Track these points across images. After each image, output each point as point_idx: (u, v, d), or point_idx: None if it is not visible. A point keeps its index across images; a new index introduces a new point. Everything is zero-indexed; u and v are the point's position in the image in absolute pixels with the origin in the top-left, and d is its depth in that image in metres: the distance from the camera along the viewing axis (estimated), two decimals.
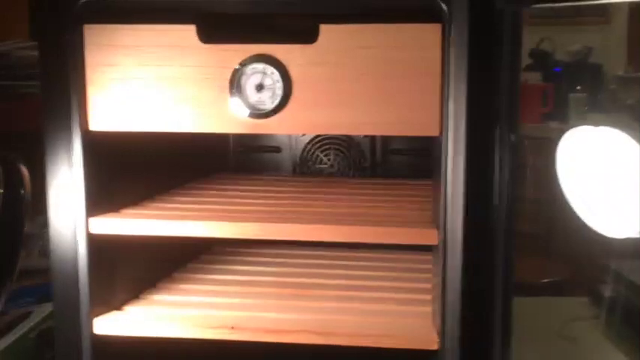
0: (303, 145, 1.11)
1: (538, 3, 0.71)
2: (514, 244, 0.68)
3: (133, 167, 0.81)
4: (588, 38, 3.44)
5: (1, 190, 0.66)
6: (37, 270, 1.13)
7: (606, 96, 3.24)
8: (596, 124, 0.98)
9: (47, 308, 1.05)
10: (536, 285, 2.10)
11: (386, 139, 1.10)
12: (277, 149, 1.13)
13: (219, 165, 1.11)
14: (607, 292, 1.19)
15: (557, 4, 0.72)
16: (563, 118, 3.08)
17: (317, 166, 1.11)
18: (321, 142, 1.10)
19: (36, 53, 1.17)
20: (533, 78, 3.07)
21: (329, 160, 1.11)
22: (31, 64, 1.15)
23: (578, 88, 3.22)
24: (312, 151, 1.11)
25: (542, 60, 3.23)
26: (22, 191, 0.68)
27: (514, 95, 0.68)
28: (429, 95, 0.68)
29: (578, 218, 1.00)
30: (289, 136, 1.11)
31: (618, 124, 0.95)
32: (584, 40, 3.42)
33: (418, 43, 0.68)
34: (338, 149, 1.10)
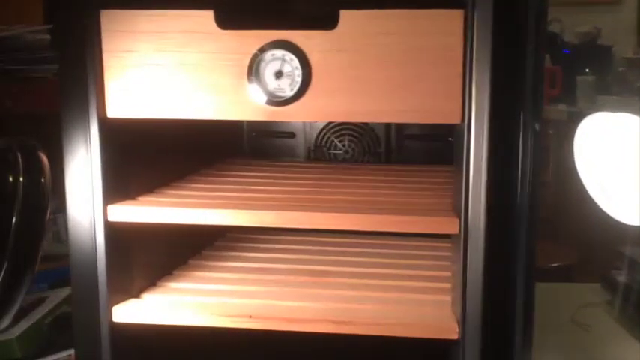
0: (317, 131, 1.10)
1: None
2: (537, 233, 0.67)
3: (148, 153, 0.81)
4: (598, 19, 3.40)
5: (22, 179, 0.65)
6: (49, 255, 1.13)
7: (615, 78, 3.21)
8: (605, 106, 0.97)
9: (62, 293, 1.05)
10: (547, 270, 2.10)
11: (401, 125, 1.09)
12: (292, 135, 1.12)
13: (232, 150, 1.11)
14: (621, 277, 1.19)
15: None
16: (571, 101, 3.07)
17: (331, 151, 1.10)
18: (336, 127, 1.09)
19: (47, 37, 1.17)
20: None
21: (343, 145, 1.10)
22: (42, 47, 1.14)
23: (587, 70, 3.20)
24: (327, 136, 1.10)
25: (550, 41, 3.20)
26: (43, 180, 0.67)
27: (538, 82, 0.66)
28: (451, 82, 0.67)
29: (592, 203, 0.99)
30: (304, 122, 1.10)
31: (635, 110, 0.94)
32: (594, 21, 3.38)
33: (440, 30, 0.66)
34: (353, 135, 1.10)
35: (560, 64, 3.08)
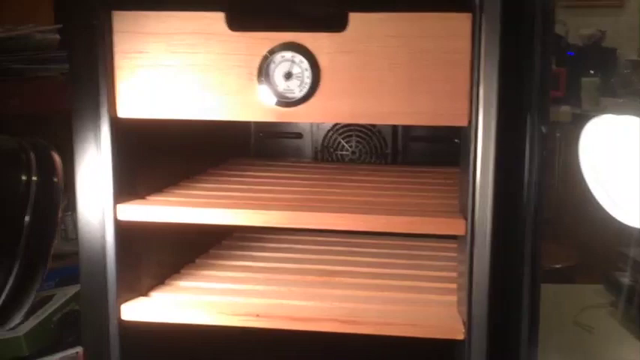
0: (324, 132, 1.11)
1: None
2: (543, 234, 0.68)
3: (157, 152, 0.81)
4: (602, 22, 3.40)
5: (35, 178, 0.66)
6: (56, 253, 1.13)
7: (620, 80, 3.21)
8: (609, 109, 0.98)
9: (69, 291, 1.06)
10: (550, 271, 2.10)
11: (407, 126, 1.10)
12: (299, 135, 1.12)
13: (240, 150, 1.11)
14: (624, 279, 1.19)
15: None
16: (575, 103, 3.07)
17: (338, 152, 1.11)
18: (343, 128, 1.10)
19: (56, 36, 1.17)
20: None
21: (350, 146, 1.11)
22: (51, 47, 1.15)
23: (591, 72, 3.20)
24: (334, 137, 1.11)
25: (554, 44, 3.20)
26: (55, 179, 0.68)
27: (545, 84, 0.67)
28: (458, 85, 0.67)
29: (595, 205, 1.00)
30: (311, 123, 1.11)
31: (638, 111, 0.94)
32: (598, 24, 3.39)
33: (448, 33, 0.67)
34: (360, 136, 1.10)
35: (565, 66, 3.09)
